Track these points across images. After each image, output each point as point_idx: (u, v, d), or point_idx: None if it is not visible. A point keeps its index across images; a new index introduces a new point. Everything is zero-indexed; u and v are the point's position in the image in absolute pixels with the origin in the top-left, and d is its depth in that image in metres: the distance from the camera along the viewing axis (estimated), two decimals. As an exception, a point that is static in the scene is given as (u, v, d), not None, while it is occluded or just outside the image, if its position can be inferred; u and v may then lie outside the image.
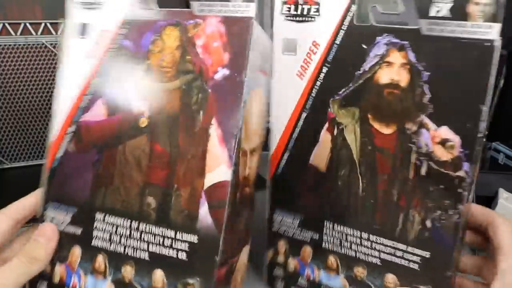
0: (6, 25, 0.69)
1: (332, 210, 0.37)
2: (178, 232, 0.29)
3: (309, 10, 0.33)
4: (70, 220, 0.32)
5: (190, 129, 0.29)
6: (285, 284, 0.42)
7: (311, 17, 0.33)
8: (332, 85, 0.34)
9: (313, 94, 0.35)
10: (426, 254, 0.33)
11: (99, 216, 0.31)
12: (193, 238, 0.29)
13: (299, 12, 0.33)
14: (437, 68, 0.30)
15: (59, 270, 0.32)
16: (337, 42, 0.33)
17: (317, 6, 0.33)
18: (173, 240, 0.29)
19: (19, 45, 0.69)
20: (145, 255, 0.30)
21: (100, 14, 0.30)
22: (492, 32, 0.28)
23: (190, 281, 0.28)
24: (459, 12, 0.28)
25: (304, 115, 0.36)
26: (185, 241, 0.29)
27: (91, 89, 0.31)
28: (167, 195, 0.29)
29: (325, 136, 0.35)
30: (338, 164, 0.35)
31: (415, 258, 0.34)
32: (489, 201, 0.51)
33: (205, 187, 0.29)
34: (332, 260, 0.38)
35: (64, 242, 0.32)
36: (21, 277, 0.29)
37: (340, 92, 0.33)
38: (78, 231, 0.32)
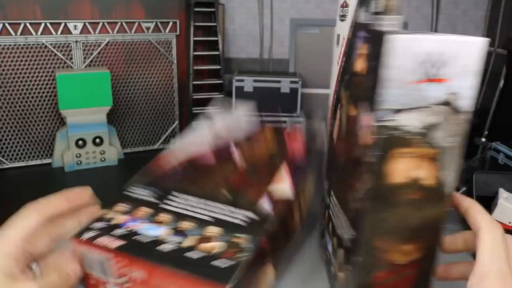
0: (6, 25, 0.72)
1: (332, 180, 0.42)
2: (241, 210, 0.37)
3: (344, 11, 0.41)
4: (148, 194, 0.39)
5: (267, 165, 0.44)
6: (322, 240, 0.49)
7: (345, 17, 0.41)
8: (344, 71, 0.40)
9: (339, 78, 0.42)
10: (355, 235, 0.35)
11: (175, 193, 0.39)
12: (253, 215, 0.36)
13: (343, 13, 0.42)
14: (373, 58, 0.33)
15: (122, 218, 0.36)
16: (349, 37, 0.39)
17: (348, 8, 0.40)
18: (235, 213, 0.37)
19: (19, 45, 0.72)
20: (207, 218, 0.36)
21: (214, 126, 0.51)
22: (387, 24, 0.29)
23: (241, 235, 0.34)
24: (388, 8, 0.31)
25: (336, 95, 0.43)
26: (245, 215, 0.36)
27: (205, 151, 0.47)
28: (239, 190, 0.39)
29: (338, 114, 0.42)
30: (338, 139, 0.41)
31: (351, 236, 0.36)
32: (489, 201, 0.58)
33: (268, 189, 0.40)
34: (331, 227, 0.43)
35: (136, 202, 0.38)
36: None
37: (345, 78, 0.40)
38: (151, 199, 0.38)
